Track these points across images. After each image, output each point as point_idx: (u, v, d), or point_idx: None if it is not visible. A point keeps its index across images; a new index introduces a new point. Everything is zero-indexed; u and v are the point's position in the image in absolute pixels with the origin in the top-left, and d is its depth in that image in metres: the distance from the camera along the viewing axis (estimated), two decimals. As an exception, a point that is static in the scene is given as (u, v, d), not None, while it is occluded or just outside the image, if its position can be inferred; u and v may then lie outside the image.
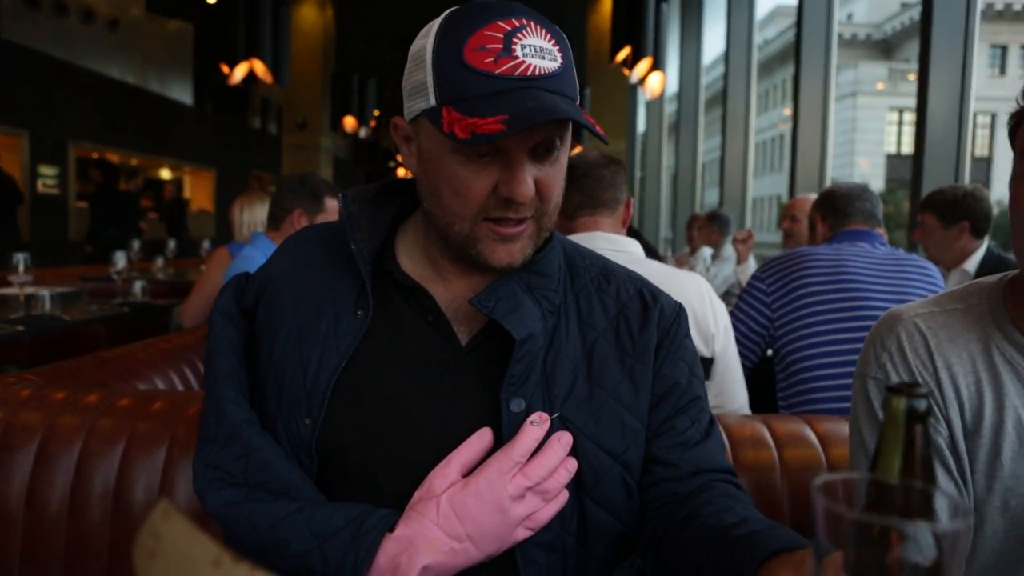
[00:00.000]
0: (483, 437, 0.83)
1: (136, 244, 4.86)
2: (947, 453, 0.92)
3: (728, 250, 4.65)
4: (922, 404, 0.50)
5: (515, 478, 0.80)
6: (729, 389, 1.70)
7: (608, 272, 0.98)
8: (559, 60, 0.81)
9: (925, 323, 0.96)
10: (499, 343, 0.86)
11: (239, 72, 5.66)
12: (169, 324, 3.39)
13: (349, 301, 0.91)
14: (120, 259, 3.80)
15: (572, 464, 0.83)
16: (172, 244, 5.53)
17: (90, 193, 9.41)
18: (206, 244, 5.78)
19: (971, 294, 0.97)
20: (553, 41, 0.82)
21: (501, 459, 0.80)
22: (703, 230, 5.03)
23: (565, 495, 0.84)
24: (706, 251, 4.77)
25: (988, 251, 2.64)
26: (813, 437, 1.38)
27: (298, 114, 9.97)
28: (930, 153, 3.86)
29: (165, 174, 13.76)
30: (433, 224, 0.89)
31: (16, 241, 7.83)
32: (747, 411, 1.77)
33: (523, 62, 0.78)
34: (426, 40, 0.83)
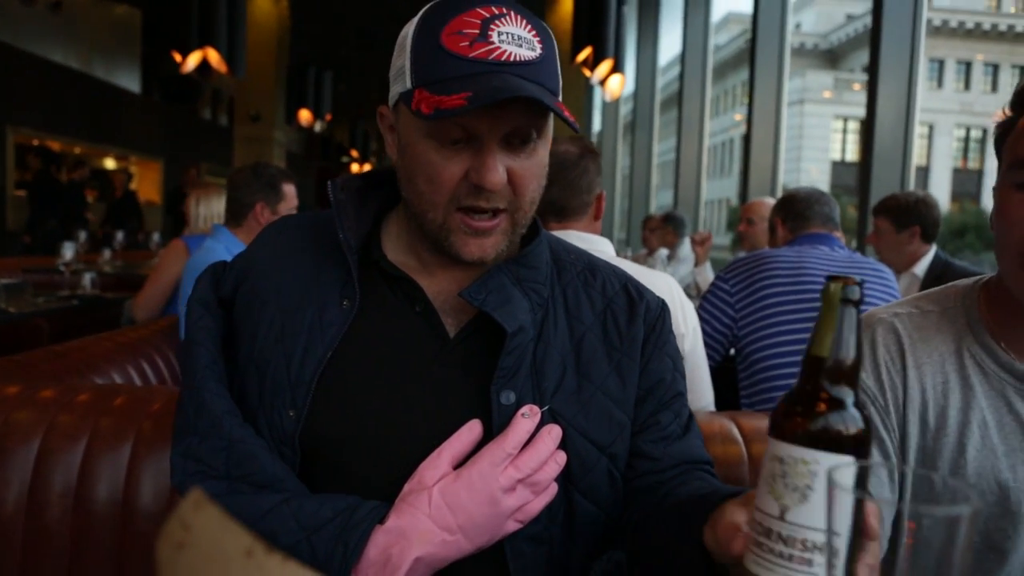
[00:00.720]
0: (473, 429, 0.83)
1: (83, 235, 4.69)
2: (890, 449, 0.96)
3: (685, 251, 4.73)
4: (855, 292, 0.58)
5: (507, 470, 0.80)
6: (697, 387, 1.74)
7: (593, 267, 0.99)
8: (538, 50, 0.82)
9: (902, 323, 1.00)
10: (488, 335, 0.86)
11: (192, 60, 5.50)
12: (120, 317, 3.29)
13: (334, 291, 0.90)
14: (68, 250, 3.66)
15: (561, 457, 0.84)
16: (120, 236, 5.35)
17: (28, 182, 9.04)
18: (156, 237, 5.61)
19: (947, 297, 1.02)
20: (533, 32, 0.82)
21: (494, 451, 0.80)
22: (658, 231, 5.09)
23: (554, 488, 0.84)
24: (662, 252, 4.84)
25: (936, 256, 2.75)
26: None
27: (251, 106, 9.75)
28: (878, 160, 3.98)
29: (110, 164, 13.30)
30: (412, 214, 0.89)
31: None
32: (712, 408, 1.81)
33: (498, 47, 0.79)
34: (409, 27, 0.84)
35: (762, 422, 1.45)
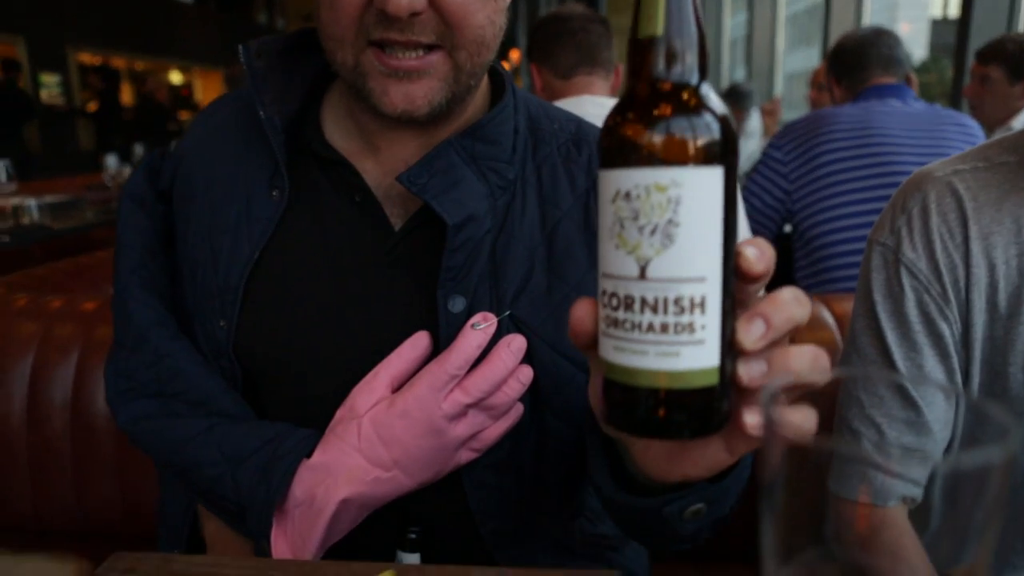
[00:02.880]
0: (418, 343, 0.70)
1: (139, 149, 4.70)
2: (950, 346, 0.77)
3: (753, 125, 4.35)
4: None
5: (452, 394, 0.67)
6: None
7: (581, 137, 0.80)
8: None
9: (963, 182, 0.78)
10: (440, 227, 0.70)
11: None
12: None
13: (262, 180, 0.76)
14: (112, 162, 3.66)
15: (526, 373, 0.70)
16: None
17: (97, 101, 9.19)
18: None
19: None
20: None
21: (434, 372, 0.67)
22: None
23: (518, 409, 0.71)
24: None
25: (1040, 109, 2.36)
26: (830, 319, 1.24)
27: (304, 5, 9.50)
28: (979, 11, 3.47)
29: (175, 77, 13.42)
30: (330, 62, 0.72)
31: (25, 155, 7.73)
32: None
33: None
34: None
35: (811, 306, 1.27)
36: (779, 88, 7.17)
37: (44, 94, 9.45)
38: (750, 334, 0.41)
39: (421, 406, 0.66)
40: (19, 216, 2.86)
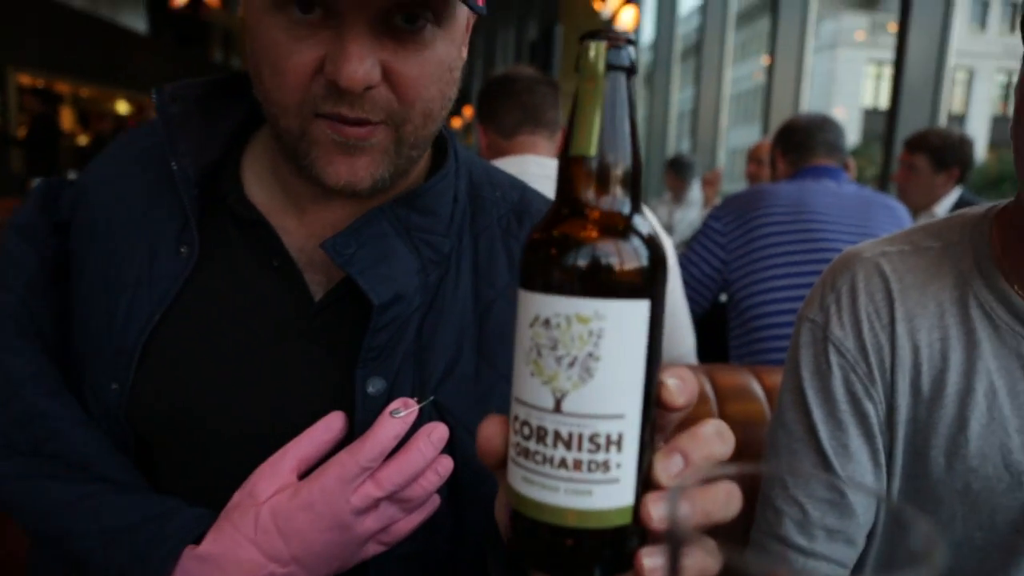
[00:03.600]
0: (332, 425, 0.64)
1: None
2: (875, 426, 0.77)
3: (694, 194, 4.49)
4: (625, 54, 0.40)
5: (362, 487, 0.61)
6: (673, 333, 1.55)
7: (523, 208, 0.76)
8: None
9: (890, 264, 0.79)
10: (365, 301, 0.65)
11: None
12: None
13: (170, 234, 0.70)
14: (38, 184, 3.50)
15: (445, 465, 0.64)
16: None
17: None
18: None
19: (950, 228, 0.80)
20: None
21: (344, 463, 0.61)
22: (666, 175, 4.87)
23: (434, 502, 0.65)
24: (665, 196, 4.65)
25: (961, 197, 2.50)
26: (759, 390, 1.24)
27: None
28: (906, 105, 3.71)
29: (123, 107, 13.16)
30: (270, 126, 0.67)
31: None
32: (693, 357, 1.64)
33: None
34: None
35: (740, 377, 1.27)
36: (721, 161, 7.45)
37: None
38: (667, 471, 0.39)
39: (327, 499, 0.60)
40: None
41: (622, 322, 0.37)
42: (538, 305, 0.38)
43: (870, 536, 0.80)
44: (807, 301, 0.85)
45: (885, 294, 0.78)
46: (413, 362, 0.67)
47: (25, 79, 10.06)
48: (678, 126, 8.88)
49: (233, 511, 0.62)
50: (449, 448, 0.65)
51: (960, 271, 0.76)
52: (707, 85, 7.33)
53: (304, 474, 0.63)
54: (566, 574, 0.39)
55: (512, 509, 0.40)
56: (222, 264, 0.70)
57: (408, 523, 0.64)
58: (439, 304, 0.69)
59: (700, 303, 1.86)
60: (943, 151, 2.47)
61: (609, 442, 0.38)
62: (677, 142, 8.94)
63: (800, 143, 2.01)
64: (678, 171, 4.61)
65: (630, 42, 0.40)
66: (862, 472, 0.77)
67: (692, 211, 4.38)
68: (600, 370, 0.37)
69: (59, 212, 0.75)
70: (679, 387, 0.39)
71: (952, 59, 3.72)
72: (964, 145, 2.49)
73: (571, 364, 0.37)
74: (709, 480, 0.39)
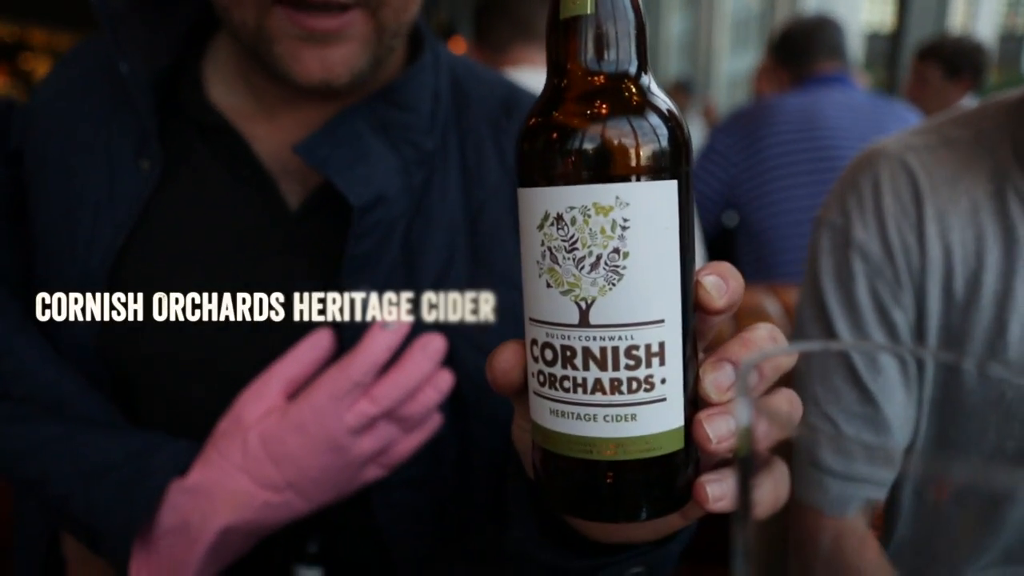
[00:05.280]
0: (318, 343, 0.59)
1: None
2: (904, 336, 0.72)
3: (693, 130, 4.38)
4: None
5: (357, 404, 0.56)
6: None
7: (512, 102, 0.71)
8: None
9: (918, 158, 0.73)
10: (345, 208, 0.60)
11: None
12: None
13: (127, 149, 0.64)
14: None
15: (444, 379, 0.60)
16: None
17: None
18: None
19: (983, 115, 0.73)
20: None
21: (335, 378, 0.56)
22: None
23: (435, 420, 0.61)
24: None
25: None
26: (776, 308, 1.19)
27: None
28: (912, 23, 3.56)
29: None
30: (222, 21, 0.60)
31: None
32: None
33: None
34: None
35: (755, 297, 1.21)
36: (722, 87, 7.28)
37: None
38: (719, 384, 0.33)
39: (319, 419, 0.56)
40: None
41: (650, 207, 0.32)
42: (545, 200, 0.32)
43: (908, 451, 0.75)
44: (825, 203, 0.79)
45: (912, 191, 0.72)
46: (402, 270, 0.62)
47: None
48: (677, 54, 8.64)
49: (220, 439, 0.58)
50: (447, 360, 0.60)
51: (996, 161, 0.70)
52: (703, 9, 7.11)
53: (291, 396, 0.59)
54: (608, 516, 0.34)
55: (539, 447, 0.35)
56: (187, 178, 0.64)
57: (408, 443, 0.60)
58: (426, 207, 0.64)
59: (703, 226, 1.79)
60: (955, 57, 2.37)
61: (650, 354, 0.32)
62: (674, 70, 8.72)
63: (800, 51, 1.88)
64: (689, 91, 4.46)
65: None
66: (892, 385, 0.73)
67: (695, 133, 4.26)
68: (630, 268, 0.31)
69: (8, 141, 0.69)
70: (718, 286, 0.34)
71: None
72: (978, 52, 2.38)
73: (594, 265, 0.32)
74: (774, 366, 0.33)
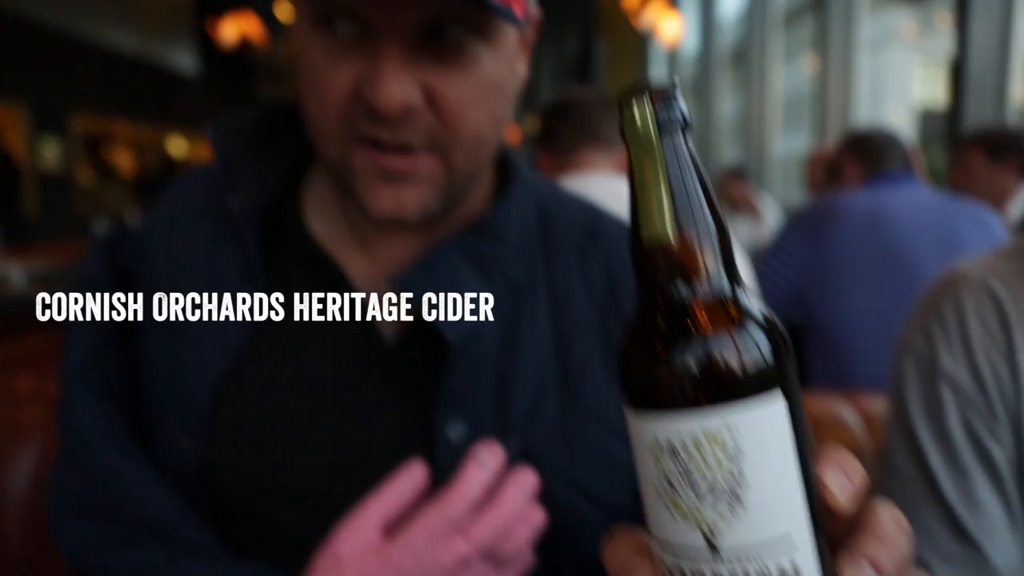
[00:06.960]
0: (413, 475, 0.59)
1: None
2: (1005, 474, 0.68)
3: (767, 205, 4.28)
4: (673, 107, 0.34)
5: (453, 544, 0.56)
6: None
7: (595, 227, 0.72)
8: None
9: (1004, 285, 0.71)
10: (439, 339, 0.61)
11: (229, 32, 5.38)
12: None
13: (234, 278, 0.67)
14: (101, 228, 3.63)
15: (538, 516, 0.59)
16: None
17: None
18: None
19: None
20: None
21: (432, 518, 0.56)
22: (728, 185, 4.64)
23: (527, 557, 0.60)
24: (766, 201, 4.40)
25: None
26: (856, 420, 1.15)
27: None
28: (970, 102, 3.50)
29: (175, 148, 13.57)
30: (318, 155, 0.65)
31: (19, 219, 7.72)
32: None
33: None
34: None
35: (831, 405, 1.18)
36: (774, 167, 7.25)
37: (42, 158, 9.48)
38: None
39: (418, 560, 0.56)
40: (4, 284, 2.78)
41: (760, 428, 0.32)
42: (654, 428, 0.33)
43: None
44: (906, 329, 0.77)
45: (999, 319, 0.70)
46: (495, 403, 0.62)
47: (85, 123, 10.44)
48: (728, 135, 8.70)
49: (316, 574, 0.58)
50: (539, 497, 0.60)
51: None
52: (755, 91, 7.17)
53: (385, 530, 0.59)
54: None
55: None
56: (287, 307, 0.67)
57: None
58: (517, 338, 0.64)
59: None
60: (997, 141, 2.33)
61: (783, 573, 0.32)
62: (726, 152, 8.76)
63: (875, 151, 1.91)
64: (744, 178, 4.41)
65: (671, 87, 0.34)
66: (994, 525, 0.69)
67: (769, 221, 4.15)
68: (750, 491, 0.31)
69: (122, 261, 0.73)
70: (843, 487, 0.34)
71: (1020, 48, 3.50)
72: (1021, 135, 2.33)
73: (712, 491, 0.32)
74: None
